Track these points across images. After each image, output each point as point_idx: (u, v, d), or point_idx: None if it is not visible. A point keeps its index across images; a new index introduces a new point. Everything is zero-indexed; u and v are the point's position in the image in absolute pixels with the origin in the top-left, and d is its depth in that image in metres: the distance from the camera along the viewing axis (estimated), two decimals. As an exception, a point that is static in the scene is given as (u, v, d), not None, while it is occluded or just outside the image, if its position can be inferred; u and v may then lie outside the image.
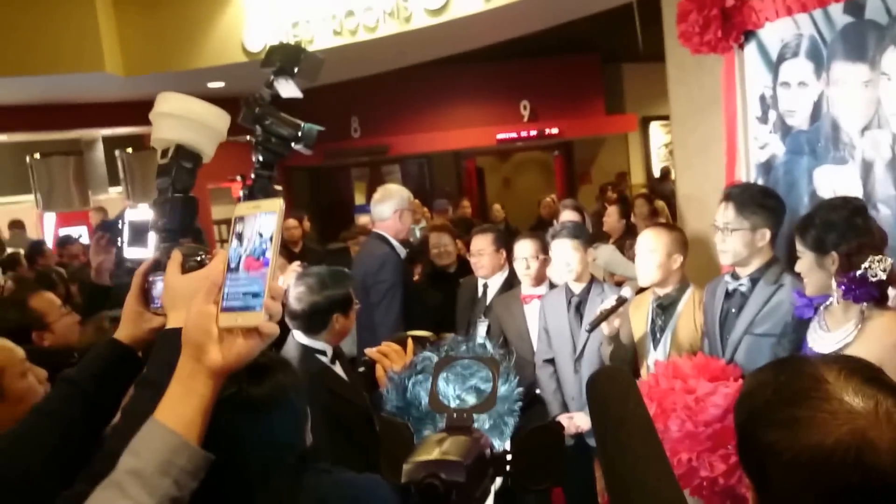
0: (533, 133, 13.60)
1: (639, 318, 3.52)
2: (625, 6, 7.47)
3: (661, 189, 10.40)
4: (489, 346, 1.69)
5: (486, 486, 1.06)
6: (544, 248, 4.03)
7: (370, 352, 2.20)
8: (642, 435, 1.25)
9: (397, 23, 7.78)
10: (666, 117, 5.43)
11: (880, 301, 2.43)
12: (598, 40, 11.90)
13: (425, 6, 7.50)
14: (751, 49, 3.89)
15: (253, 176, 1.58)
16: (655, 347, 3.42)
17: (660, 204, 8.44)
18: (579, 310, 3.80)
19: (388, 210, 4.42)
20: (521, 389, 1.62)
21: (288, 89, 1.63)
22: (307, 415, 1.81)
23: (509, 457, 1.15)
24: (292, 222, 7.93)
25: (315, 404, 2.77)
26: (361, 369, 2.21)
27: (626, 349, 3.53)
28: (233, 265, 1.12)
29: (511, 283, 4.34)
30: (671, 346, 3.36)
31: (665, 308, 3.43)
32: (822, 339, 2.55)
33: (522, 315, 4.10)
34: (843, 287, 2.44)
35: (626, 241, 6.37)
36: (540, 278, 4.09)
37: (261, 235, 1.10)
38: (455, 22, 7.41)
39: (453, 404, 1.50)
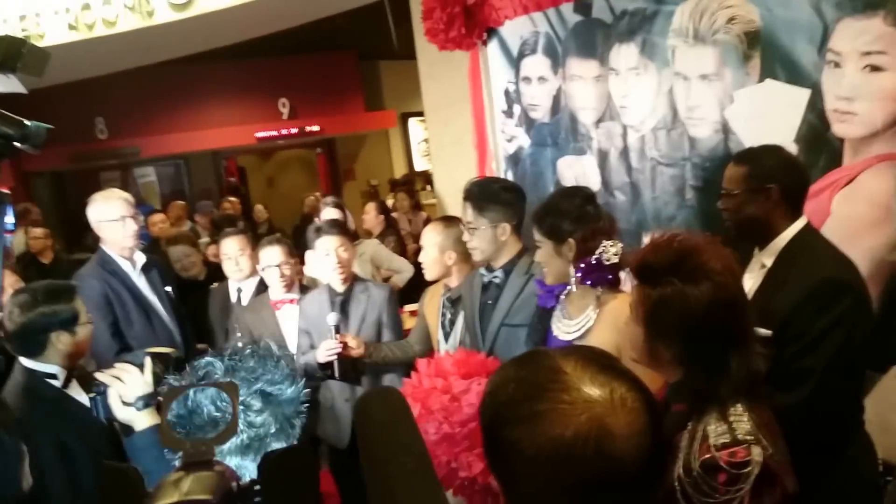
0: (294, 131, 13.38)
1: (432, 311, 3.51)
2: (377, 3, 7.51)
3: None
4: (275, 350, 1.63)
5: None
6: (292, 252, 3.93)
7: (101, 375, 2.01)
8: (413, 469, 1.22)
9: (139, 17, 7.31)
10: (423, 113, 5.53)
11: (614, 284, 2.55)
12: (355, 38, 11.91)
13: (169, 0, 7.12)
14: (493, 46, 4.01)
15: None
16: (446, 341, 3.42)
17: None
18: (345, 309, 3.70)
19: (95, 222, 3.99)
20: (307, 390, 1.58)
21: (9, 85, 1.44)
22: (23, 454, 1.61)
23: (258, 487, 1.05)
24: (40, 231, 7.28)
25: (47, 436, 2.50)
26: (92, 395, 2.01)
27: (402, 348, 3.53)
28: None
29: (266, 285, 4.18)
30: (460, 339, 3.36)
31: (454, 302, 3.43)
32: (565, 327, 2.62)
33: (275, 320, 3.95)
34: (579, 273, 2.53)
35: (385, 237, 6.42)
36: (290, 283, 3.96)
37: None
38: (202, 17, 7.07)
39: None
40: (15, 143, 1.44)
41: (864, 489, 2.27)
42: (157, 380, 1.96)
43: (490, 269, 3.14)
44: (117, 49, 7.98)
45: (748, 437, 1.56)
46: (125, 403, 1.93)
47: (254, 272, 4.24)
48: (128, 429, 1.99)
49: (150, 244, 6.55)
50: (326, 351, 3.43)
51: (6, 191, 1.49)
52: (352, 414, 1.40)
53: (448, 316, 3.45)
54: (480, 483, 2.65)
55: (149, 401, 1.92)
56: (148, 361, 2.00)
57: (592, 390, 1.01)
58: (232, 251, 4.25)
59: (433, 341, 3.51)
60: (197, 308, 4.46)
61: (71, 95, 7.85)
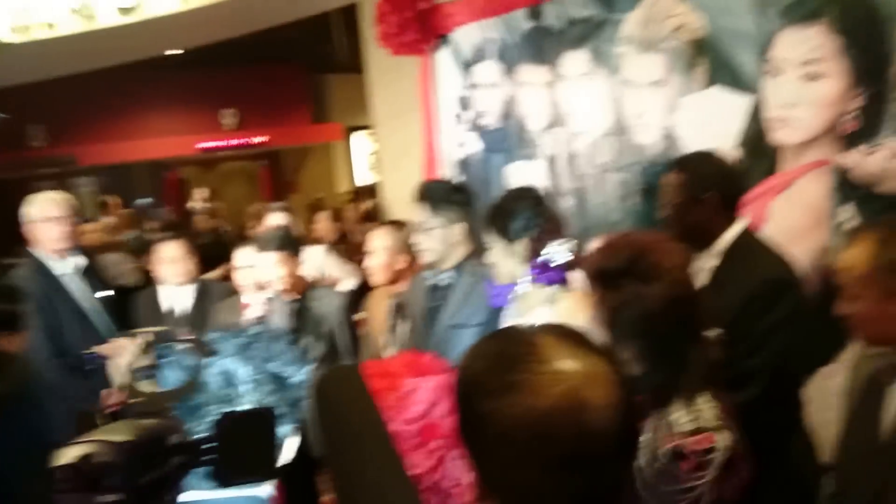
0: (236, 142, 13.28)
1: (376, 316, 3.50)
2: (325, 15, 7.51)
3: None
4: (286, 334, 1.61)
5: (165, 474, 0.93)
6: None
7: (98, 349, 2.06)
8: (379, 447, 1.21)
9: (81, 20, 7.16)
10: (367, 128, 5.56)
11: (566, 282, 2.59)
12: (303, 50, 11.91)
13: (116, 4, 6.99)
14: (445, 52, 4.06)
15: None
16: (391, 346, 3.38)
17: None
18: (299, 317, 3.66)
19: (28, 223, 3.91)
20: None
21: None
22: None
23: (209, 445, 1.03)
24: None
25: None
26: (90, 367, 2.06)
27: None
28: None
29: (206, 290, 4.14)
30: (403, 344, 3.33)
31: (400, 307, 3.39)
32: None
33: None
34: (535, 272, 2.56)
35: (337, 245, 6.37)
36: (262, 286, 3.89)
37: None
38: (147, 23, 6.97)
39: (246, 388, 1.47)
40: None
41: (802, 486, 2.31)
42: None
43: (437, 271, 3.14)
44: (57, 53, 7.80)
45: (714, 424, 1.60)
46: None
47: (191, 277, 4.18)
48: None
49: (84, 252, 6.36)
50: None
51: None
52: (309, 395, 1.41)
53: (391, 322, 3.42)
54: (428, 482, 2.64)
55: (147, 372, 1.95)
56: (141, 336, 2.03)
57: (567, 363, 1.00)
58: (170, 255, 4.15)
59: (377, 344, 3.49)
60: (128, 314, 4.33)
61: (3, 100, 7.57)
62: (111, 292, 4.09)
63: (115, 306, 4.14)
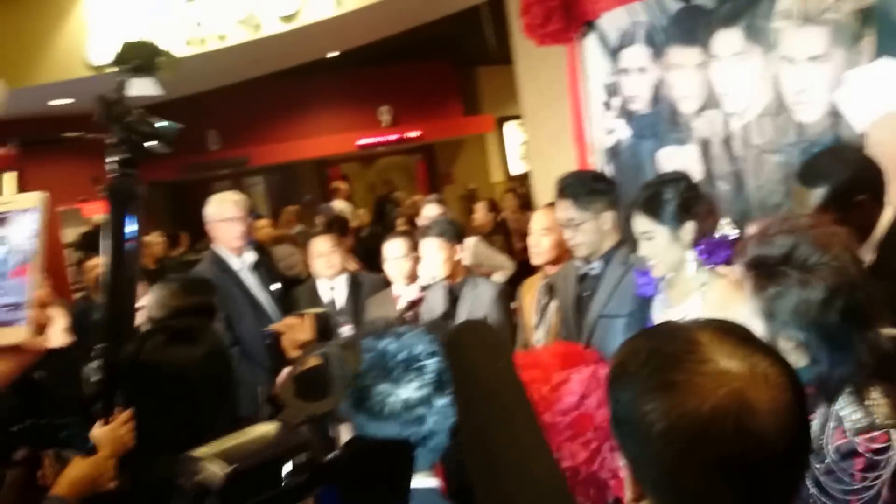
0: (393, 137, 13.66)
1: (530, 301, 3.49)
2: (476, 9, 7.57)
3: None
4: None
5: (279, 493, 0.91)
6: (415, 247, 3.96)
7: (274, 326, 2.30)
8: (515, 406, 1.17)
9: (248, 30, 7.58)
10: (519, 117, 5.57)
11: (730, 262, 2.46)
12: (453, 44, 12.08)
13: (277, 13, 7.36)
14: (591, 39, 4.01)
15: (116, 175, 1.47)
16: (538, 328, 3.40)
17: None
18: (455, 306, 3.73)
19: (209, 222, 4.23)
20: None
21: (146, 87, 1.53)
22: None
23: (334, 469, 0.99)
24: (155, 238, 7.62)
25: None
26: (267, 342, 2.24)
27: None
28: None
29: (357, 282, 4.30)
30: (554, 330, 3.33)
31: (551, 288, 3.39)
32: (668, 315, 2.56)
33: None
34: (704, 254, 2.44)
35: (494, 235, 6.43)
36: (412, 277, 4.01)
37: (21, 236, 0.96)
38: (308, 27, 7.30)
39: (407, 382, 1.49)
40: (153, 140, 1.53)
41: None
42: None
43: (587, 259, 3.09)
44: (228, 62, 8.28)
45: (888, 422, 1.51)
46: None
47: (341, 270, 4.36)
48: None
49: (257, 247, 6.76)
50: None
51: (142, 187, 1.57)
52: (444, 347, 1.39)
53: (543, 302, 3.42)
54: (584, 473, 2.62)
55: (314, 349, 2.09)
56: (308, 317, 2.21)
57: (731, 363, 0.94)
58: (321, 249, 4.36)
59: (528, 329, 3.48)
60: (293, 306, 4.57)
61: (183, 109, 8.13)
62: (281, 285, 4.37)
63: (286, 297, 4.43)
